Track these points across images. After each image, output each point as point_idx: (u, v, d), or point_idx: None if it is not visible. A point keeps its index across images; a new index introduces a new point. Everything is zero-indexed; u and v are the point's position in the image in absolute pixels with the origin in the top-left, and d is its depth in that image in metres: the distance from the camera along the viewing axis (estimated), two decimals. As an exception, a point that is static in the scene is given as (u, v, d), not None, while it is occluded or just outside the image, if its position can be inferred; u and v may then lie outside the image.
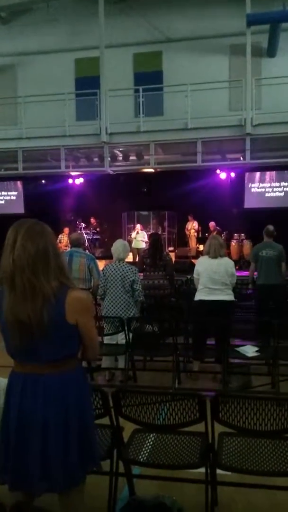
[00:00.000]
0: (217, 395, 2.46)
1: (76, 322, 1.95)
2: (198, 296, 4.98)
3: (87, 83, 11.84)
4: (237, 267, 11.54)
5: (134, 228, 14.27)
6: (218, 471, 2.48)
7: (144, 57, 12.50)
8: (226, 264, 4.94)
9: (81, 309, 1.96)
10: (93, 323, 2.11)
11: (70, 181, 14.09)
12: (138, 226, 14.02)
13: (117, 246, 4.99)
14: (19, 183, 13.95)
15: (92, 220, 14.99)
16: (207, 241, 5.30)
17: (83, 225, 14.55)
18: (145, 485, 2.80)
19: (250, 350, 4.54)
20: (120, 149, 12.06)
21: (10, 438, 1.96)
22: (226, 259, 5.06)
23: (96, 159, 12.13)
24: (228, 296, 4.90)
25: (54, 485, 1.94)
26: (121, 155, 12.20)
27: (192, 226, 14.28)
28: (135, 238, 13.39)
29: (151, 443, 2.66)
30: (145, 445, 2.63)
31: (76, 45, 12.37)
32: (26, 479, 1.94)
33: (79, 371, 2.08)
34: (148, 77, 11.99)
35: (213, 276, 4.86)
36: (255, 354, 4.50)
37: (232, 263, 5.07)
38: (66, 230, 13.45)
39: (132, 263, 6.42)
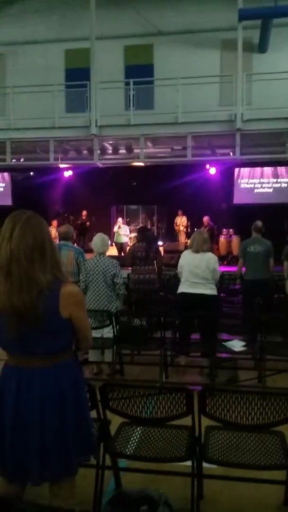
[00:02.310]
0: (204, 389, 2.47)
1: (70, 315, 1.97)
2: (180, 289, 4.98)
3: (77, 74, 11.69)
4: (225, 263, 11.74)
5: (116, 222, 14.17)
6: (205, 465, 2.49)
7: (135, 50, 12.42)
8: (208, 259, 4.89)
9: (74, 303, 1.98)
10: (86, 315, 2.15)
11: (59, 173, 13.96)
12: (120, 220, 13.92)
13: (96, 240, 4.98)
14: (7, 174, 13.79)
15: (84, 212, 14.87)
16: (192, 235, 5.29)
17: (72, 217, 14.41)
18: (131, 478, 2.80)
19: (237, 344, 4.57)
20: (110, 142, 11.98)
21: (6, 432, 1.97)
22: (209, 254, 4.98)
23: (85, 152, 12.02)
24: (210, 290, 4.86)
25: (53, 474, 1.97)
26: (110, 148, 12.12)
27: (181, 221, 14.27)
28: (117, 232, 13.31)
29: (138, 436, 2.66)
30: (132, 438, 2.64)
31: (67, 35, 12.23)
32: (25, 470, 1.96)
33: (74, 362, 2.11)
34: (139, 70, 11.91)
35: (195, 270, 4.85)
36: (242, 348, 4.53)
37: (215, 258, 4.98)
38: (54, 223, 13.32)
39: (119, 258, 6.40)
